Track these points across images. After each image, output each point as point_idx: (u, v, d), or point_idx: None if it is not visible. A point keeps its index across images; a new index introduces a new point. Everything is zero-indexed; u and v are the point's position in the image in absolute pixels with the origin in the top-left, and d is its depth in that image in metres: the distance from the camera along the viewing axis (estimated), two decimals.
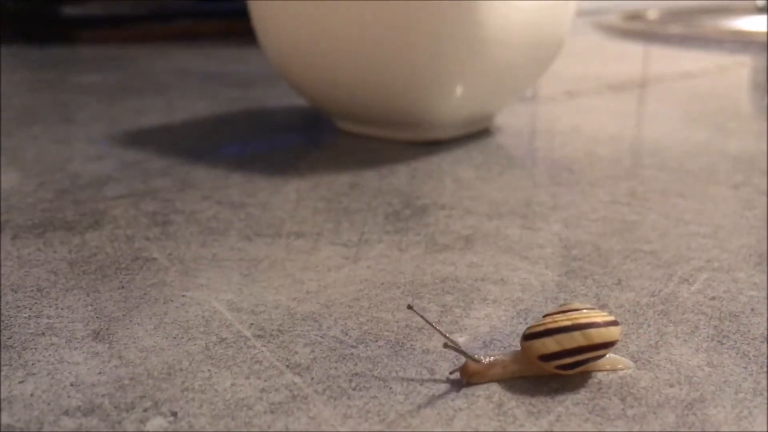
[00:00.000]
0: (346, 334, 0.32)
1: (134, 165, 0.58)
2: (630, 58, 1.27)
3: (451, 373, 0.29)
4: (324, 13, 0.59)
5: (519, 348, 0.30)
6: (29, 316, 0.34)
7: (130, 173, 0.56)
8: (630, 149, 0.65)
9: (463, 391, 0.28)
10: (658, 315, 0.34)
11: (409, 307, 0.28)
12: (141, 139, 0.67)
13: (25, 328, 0.33)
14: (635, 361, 0.30)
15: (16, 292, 0.36)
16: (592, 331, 0.28)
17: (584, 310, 0.29)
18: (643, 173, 0.58)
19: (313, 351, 0.31)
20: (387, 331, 0.33)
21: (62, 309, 0.34)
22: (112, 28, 1.44)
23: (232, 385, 0.28)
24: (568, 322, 0.28)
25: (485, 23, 0.57)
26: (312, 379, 0.29)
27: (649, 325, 0.33)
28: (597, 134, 0.70)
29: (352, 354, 0.31)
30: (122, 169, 0.57)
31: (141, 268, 0.39)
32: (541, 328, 0.28)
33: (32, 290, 0.36)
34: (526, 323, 0.33)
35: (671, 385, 0.28)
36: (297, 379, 0.29)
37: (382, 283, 0.38)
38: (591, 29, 1.64)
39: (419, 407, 0.27)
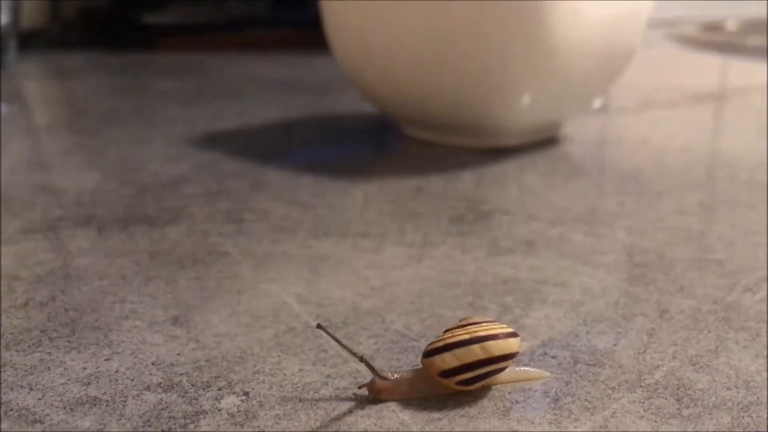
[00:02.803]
0: (408, 329, 0.34)
1: (210, 166, 0.61)
2: (707, 70, 1.25)
3: (359, 388, 0.28)
4: (394, 21, 0.60)
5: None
6: (114, 301, 0.36)
7: (206, 174, 0.59)
8: (701, 160, 0.64)
9: (520, 385, 0.29)
10: (720, 321, 0.34)
11: (318, 326, 0.28)
12: (216, 142, 0.70)
13: (110, 312, 0.35)
14: (693, 365, 0.31)
15: (102, 279, 0.39)
16: (491, 343, 0.28)
17: (483, 324, 0.28)
18: (713, 184, 0.57)
19: (376, 343, 0.32)
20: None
21: (144, 296, 0.37)
22: (189, 35, 1.49)
23: (300, 370, 0.30)
24: (467, 336, 0.28)
25: (554, 31, 0.58)
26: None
27: (709, 331, 0.33)
28: (668, 145, 0.70)
29: (413, 347, 0.32)
30: (198, 170, 0.60)
31: (216, 261, 0.41)
32: (441, 343, 0.28)
33: (117, 278, 0.39)
34: (586, 325, 0.34)
35: (728, 388, 0.29)
36: (360, 368, 0.30)
37: (444, 283, 0.39)
38: (667, 40, 1.61)
39: (476, 399, 0.28)
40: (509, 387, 0.29)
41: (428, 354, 0.28)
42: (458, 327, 0.29)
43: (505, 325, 0.29)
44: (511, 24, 0.57)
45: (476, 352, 0.27)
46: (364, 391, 0.28)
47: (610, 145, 0.70)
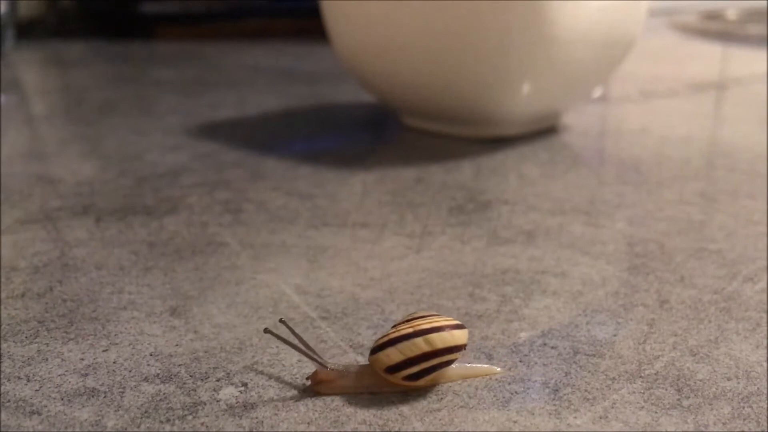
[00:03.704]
0: None
1: (208, 156, 0.61)
2: (707, 59, 1.25)
3: (307, 379, 0.28)
4: (393, 11, 0.60)
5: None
6: (112, 291, 0.36)
7: (205, 164, 0.58)
8: (701, 150, 0.64)
9: (520, 375, 0.29)
10: (720, 312, 0.34)
11: (281, 321, 0.28)
12: (215, 131, 0.69)
13: (108, 303, 0.35)
14: (693, 356, 0.30)
15: (100, 269, 0.39)
16: (434, 336, 0.27)
17: (429, 317, 0.28)
18: (713, 174, 0.57)
19: (375, 333, 0.32)
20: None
21: (142, 286, 0.37)
22: (188, 25, 1.49)
23: (298, 361, 0.30)
24: (410, 330, 0.27)
25: (553, 21, 0.58)
26: None
27: (710, 321, 0.33)
28: (668, 135, 0.70)
29: None
30: (197, 160, 0.59)
31: (214, 252, 0.41)
32: (386, 339, 0.27)
33: (115, 269, 0.39)
34: (585, 315, 0.34)
35: (729, 379, 0.29)
36: (360, 359, 0.30)
37: (444, 273, 0.39)
38: (667, 29, 1.61)
39: (476, 389, 0.28)
40: (509, 377, 0.29)
41: (374, 351, 0.28)
42: (404, 322, 0.28)
43: (451, 318, 0.28)
44: (510, 13, 0.57)
45: (420, 345, 0.27)
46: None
47: (610, 135, 0.70)
